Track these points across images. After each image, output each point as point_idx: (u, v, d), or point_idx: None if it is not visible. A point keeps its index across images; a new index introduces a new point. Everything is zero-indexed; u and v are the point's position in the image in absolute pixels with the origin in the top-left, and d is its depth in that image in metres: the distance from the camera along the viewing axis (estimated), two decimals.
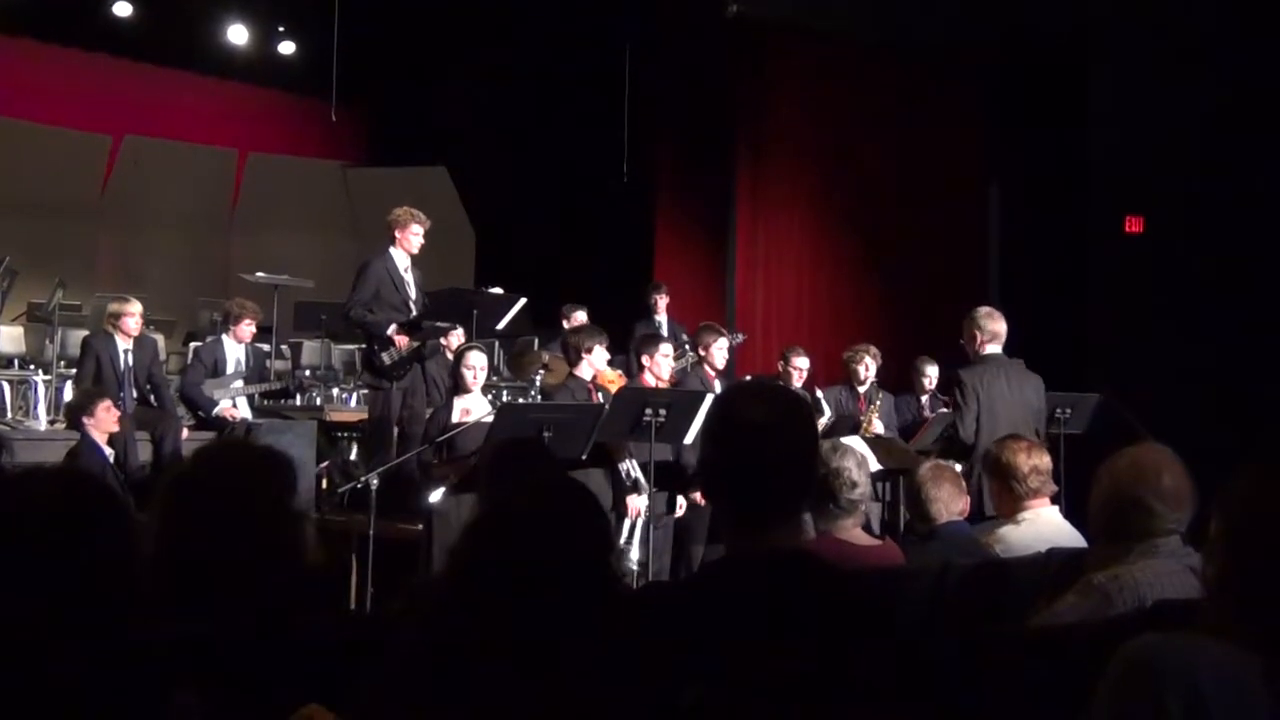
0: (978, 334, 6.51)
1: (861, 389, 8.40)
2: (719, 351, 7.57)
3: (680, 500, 6.96)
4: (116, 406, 7.48)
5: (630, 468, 6.68)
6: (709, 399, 6.51)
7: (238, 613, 2.23)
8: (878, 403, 8.17)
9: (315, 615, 2.42)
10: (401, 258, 7.77)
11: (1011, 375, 6.55)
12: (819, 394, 8.38)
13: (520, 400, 8.29)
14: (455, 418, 6.50)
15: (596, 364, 6.96)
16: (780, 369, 8.45)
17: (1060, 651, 2.56)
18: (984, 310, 6.65)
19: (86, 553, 1.66)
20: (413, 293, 7.79)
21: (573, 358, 7.01)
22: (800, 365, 8.32)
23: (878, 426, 8.03)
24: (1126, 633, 2.55)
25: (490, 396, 7.50)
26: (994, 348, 6.53)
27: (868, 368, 8.40)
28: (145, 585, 2.03)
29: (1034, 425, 6.48)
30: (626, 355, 8.85)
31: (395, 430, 7.80)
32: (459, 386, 6.64)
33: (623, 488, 6.68)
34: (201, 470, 2.25)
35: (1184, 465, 3.11)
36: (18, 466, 7.20)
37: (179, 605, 2.24)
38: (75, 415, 7.29)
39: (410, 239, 7.74)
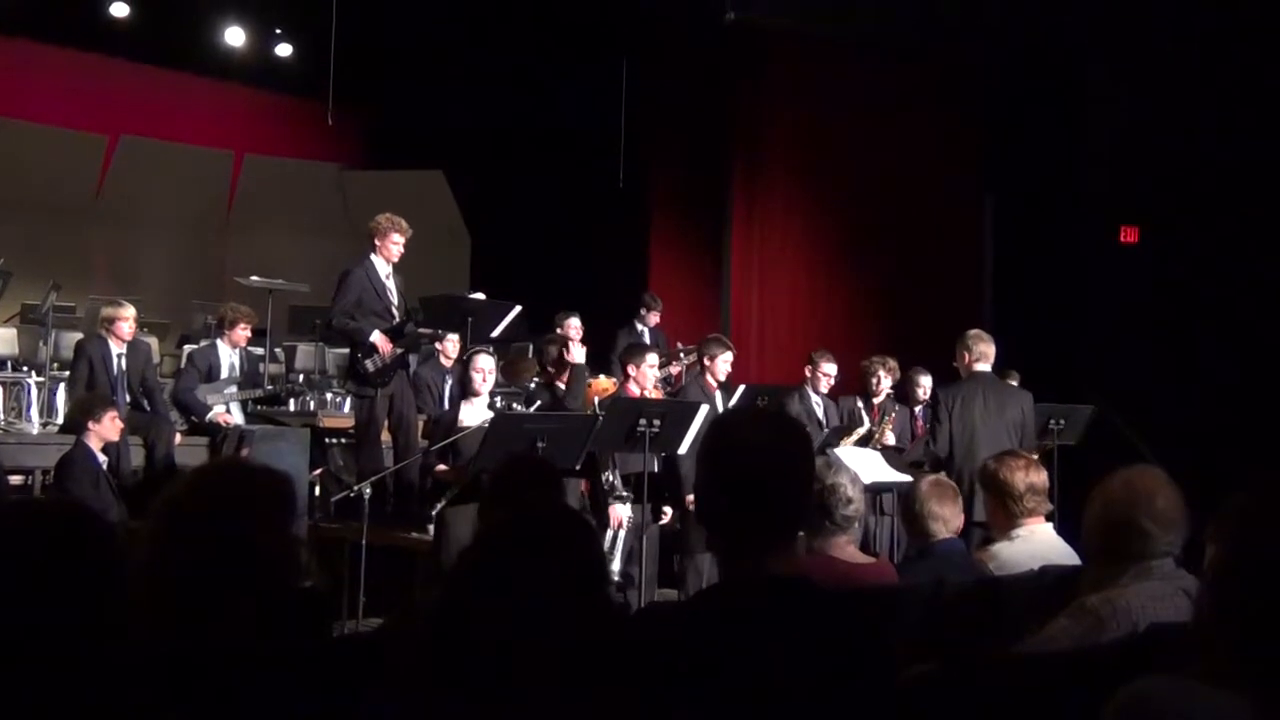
0: (966, 354, 6.92)
1: (876, 400, 8.37)
2: (723, 364, 7.53)
3: (667, 510, 6.97)
4: None
5: (612, 474, 6.69)
6: (704, 410, 6.53)
7: (230, 633, 2.23)
8: (893, 415, 8.19)
9: (308, 636, 2.42)
10: (382, 264, 7.77)
11: (991, 392, 6.89)
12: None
13: (515, 406, 8.29)
14: (463, 420, 6.54)
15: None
16: (808, 374, 8.30)
17: (1053, 678, 2.56)
18: (974, 332, 7.04)
19: (76, 586, 1.66)
20: (394, 299, 7.80)
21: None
22: (829, 372, 8.22)
23: (889, 439, 8.07)
24: (1119, 659, 2.56)
25: (501, 403, 7.54)
26: (982, 366, 6.92)
27: (880, 380, 8.35)
28: (136, 608, 2.03)
29: (1014, 439, 6.69)
30: (610, 364, 8.88)
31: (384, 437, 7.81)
32: (466, 391, 6.68)
33: (603, 497, 6.69)
34: (198, 492, 2.24)
35: (1177, 487, 3.11)
36: (6, 467, 7.21)
37: (170, 626, 2.24)
38: (80, 420, 7.22)
39: (390, 248, 7.74)
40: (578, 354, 6.95)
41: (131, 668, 1.92)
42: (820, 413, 8.19)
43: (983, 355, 6.89)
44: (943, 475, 4.69)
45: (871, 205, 11.35)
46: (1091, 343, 10.07)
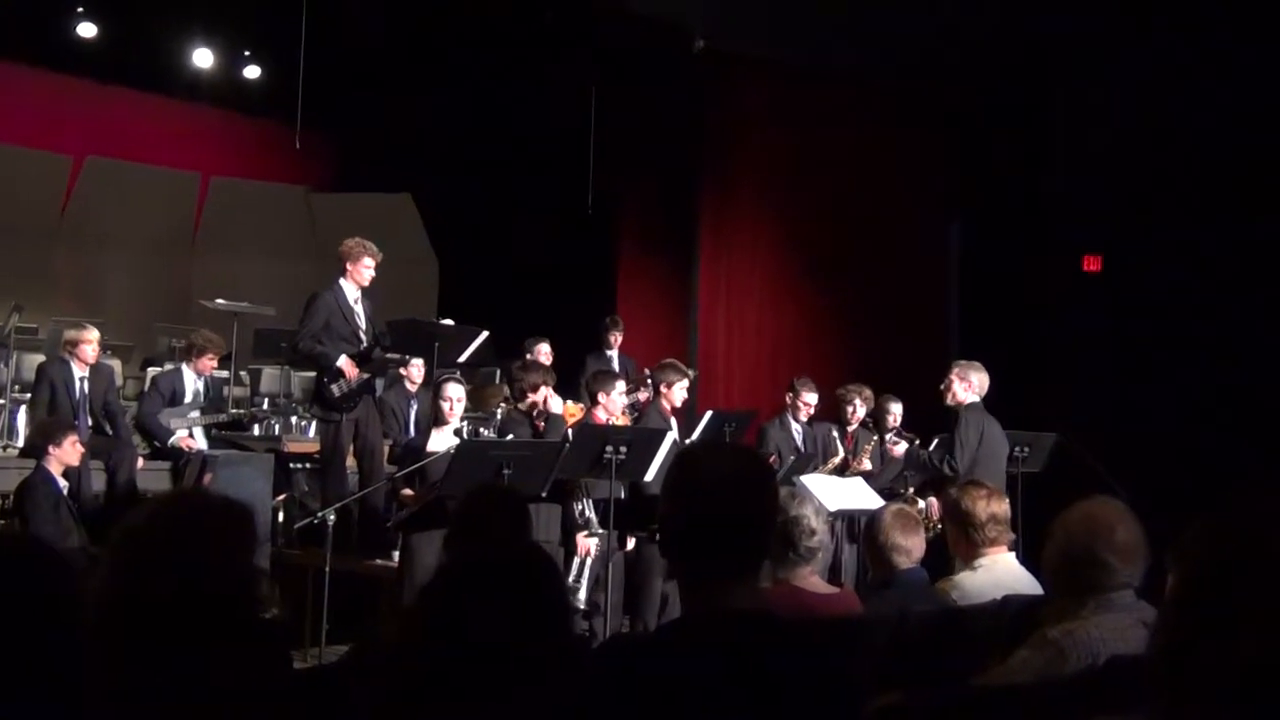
0: (972, 382, 7.13)
1: (850, 428, 8.44)
2: (679, 390, 7.53)
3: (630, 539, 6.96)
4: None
5: (585, 507, 6.68)
6: (670, 437, 6.54)
7: (188, 666, 2.20)
8: (874, 443, 8.28)
9: (268, 668, 2.40)
10: (351, 289, 7.76)
11: (992, 422, 7.17)
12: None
13: (482, 432, 8.27)
14: (431, 448, 6.52)
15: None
16: (788, 401, 8.38)
17: (1015, 711, 2.57)
18: (975, 363, 7.25)
19: (32, 619, 1.65)
20: (362, 323, 7.77)
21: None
22: (810, 401, 8.31)
23: (867, 465, 8.14)
24: (1079, 692, 2.58)
25: (468, 428, 7.53)
26: (976, 398, 7.16)
27: (855, 409, 8.44)
28: (92, 640, 2.00)
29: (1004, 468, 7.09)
30: (578, 389, 8.87)
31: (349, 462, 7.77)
32: (436, 418, 6.67)
33: (574, 525, 6.68)
34: (157, 523, 2.22)
35: (1136, 519, 3.14)
36: None
37: (127, 658, 2.21)
38: (40, 444, 7.15)
39: (362, 271, 7.73)
40: (555, 405, 6.92)
41: (86, 701, 1.89)
42: (799, 440, 8.25)
43: (982, 388, 7.15)
44: (906, 506, 4.70)
45: (839, 233, 11.40)
46: (1055, 370, 10.14)
